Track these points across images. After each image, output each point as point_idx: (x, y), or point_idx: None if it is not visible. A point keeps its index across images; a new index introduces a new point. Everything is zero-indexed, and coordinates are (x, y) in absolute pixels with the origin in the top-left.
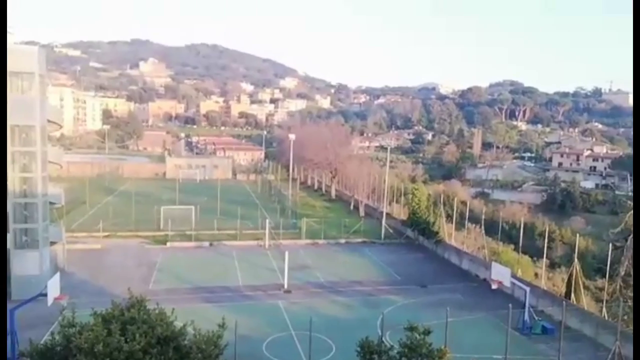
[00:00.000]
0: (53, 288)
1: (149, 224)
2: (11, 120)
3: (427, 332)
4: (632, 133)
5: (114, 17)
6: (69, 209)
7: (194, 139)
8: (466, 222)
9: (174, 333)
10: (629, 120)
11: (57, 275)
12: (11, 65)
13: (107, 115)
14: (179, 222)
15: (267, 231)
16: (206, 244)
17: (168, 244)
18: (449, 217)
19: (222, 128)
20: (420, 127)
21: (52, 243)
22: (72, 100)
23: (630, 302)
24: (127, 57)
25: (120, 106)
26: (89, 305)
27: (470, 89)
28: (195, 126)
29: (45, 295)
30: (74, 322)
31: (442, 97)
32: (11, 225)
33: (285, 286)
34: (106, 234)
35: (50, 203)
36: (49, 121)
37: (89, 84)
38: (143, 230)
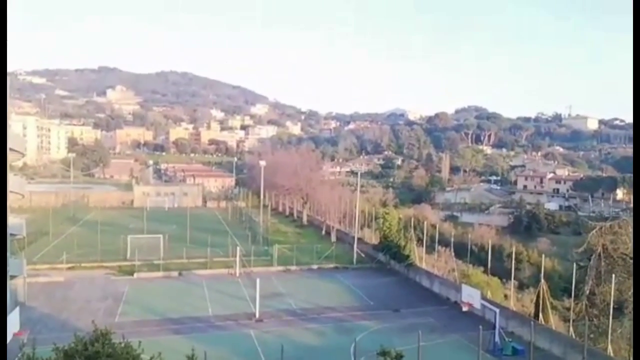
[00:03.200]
0: (12, 323)
1: (115, 254)
2: None
3: (400, 357)
4: (591, 156)
5: (81, 45)
6: (31, 240)
7: (163, 166)
8: (436, 245)
9: None
10: (588, 144)
11: (17, 310)
12: None
13: (72, 143)
14: (146, 252)
15: (237, 259)
16: (175, 273)
17: (135, 274)
18: (419, 240)
19: (192, 155)
20: (390, 152)
21: (12, 277)
22: (35, 129)
23: (595, 321)
24: (94, 84)
25: (87, 134)
26: (50, 341)
27: (437, 115)
28: (164, 153)
29: None
30: (34, 359)
31: (410, 123)
32: None
33: (257, 315)
34: (70, 265)
35: (11, 234)
36: (10, 150)
37: (54, 112)
38: (109, 261)
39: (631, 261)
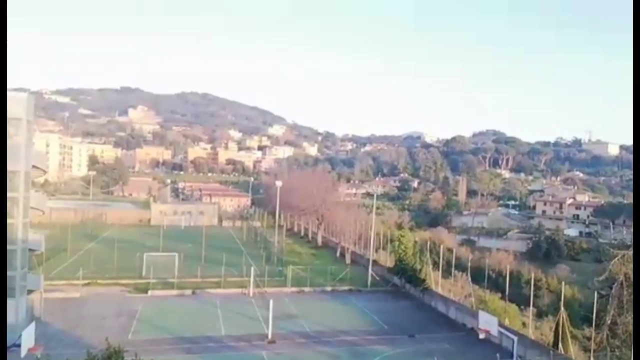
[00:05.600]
0: (27, 338)
1: (131, 272)
2: None
3: None
4: (612, 182)
5: (104, 65)
6: (49, 256)
7: (180, 185)
8: (453, 269)
9: None
10: (609, 170)
11: (33, 325)
12: None
13: (93, 161)
14: (161, 270)
15: (251, 279)
16: (189, 292)
17: (149, 292)
18: (435, 264)
19: (209, 174)
20: (406, 175)
21: (30, 291)
22: (58, 147)
23: (617, 352)
24: (116, 104)
25: (107, 152)
26: (64, 357)
27: (454, 138)
28: (182, 172)
29: (19, 345)
30: None
31: (427, 146)
32: None
33: (270, 336)
34: (86, 282)
35: (30, 250)
36: (33, 167)
37: (77, 130)
38: (124, 278)
39: None
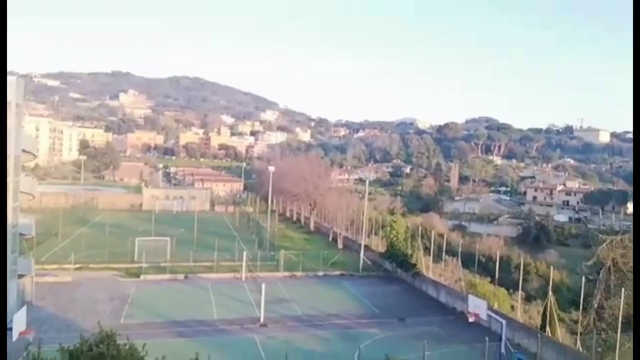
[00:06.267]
0: (19, 322)
1: (123, 256)
2: None
3: None
4: (602, 169)
5: (95, 49)
6: (40, 241)
7: (172, 170)
8: (443, 254)
9: None
10: (600, 157)
11: (24, 309)
12: None
13: (84, 145)
14: (153, 254)
15: (244, 263)
16: (181, 276)
17: (142, 276)
18: (426, 249)
19: (202, 159)
20: (399, 161)
21: (21, 276)
22: (48, 130)
23: (603, 335)
24: (107, 88)
25: (98, 137)
26: (56, 341)
27: (447, 125)
28: (174, 157)
29: (11, 329)
30: (40, 358)
31: (419, 132)
32: None
33: (262, 320)
34: (78, 266)
35: (21, 234)
36: (23, 151)
37: (67, 114)
38: (116, 263)
39: None
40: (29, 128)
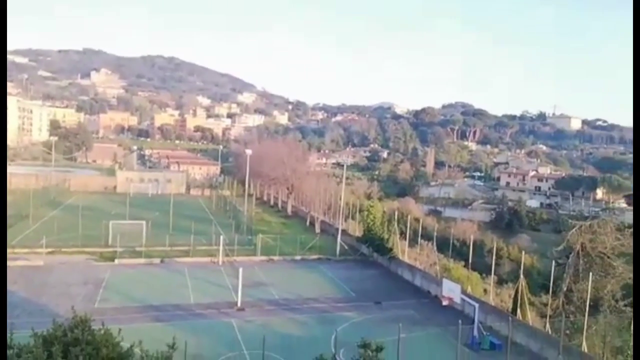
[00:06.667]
0: None
1: (97, 240)
2: None
3: (380, 349)
4: (573, 155)
5: (65, 25)
6: (11, 224)
7: (147, 152)
8: (419, 239)
9: (120, 355)
10: (571, 143)
11: None
12: None
13: (55, 125)
14: (128, 238)
15: (221, 247)
16: (157, 260)
17: (116, 260)
18: (402, 234)
19: (177, 142)
20: (376, 145)
21: None
22: (17, 110)
23: (571, 318)
24: (78, 66)
25: (70, 117)
26: (28, 326)
27: (423, 110)
28: (148, 139)
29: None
30: (12, 344)
31: (397, 117)
32: None
33: (239, 304)
34: (50, 250)
35: None
36: None
37: (37, 93)
38: (90, 247)
39: (609, 260)
40: None
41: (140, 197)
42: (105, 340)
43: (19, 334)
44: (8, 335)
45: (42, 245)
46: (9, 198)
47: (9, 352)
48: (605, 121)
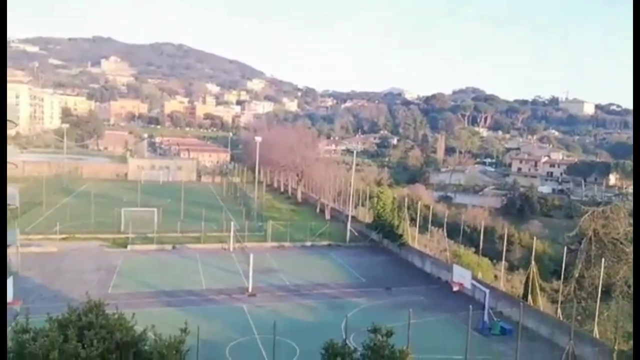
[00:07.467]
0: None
1: (109, 227)
2: None
3: (390, 334)
4: (586, 141)
5: (75, 13)
6: (24, 210)
7: (158, 139)
8: (429, 225)
9: (134, 338)
10: (584, 128)
11: (10, 280)
12: None
13: (66, 113)
14: (140, 225)
15: (231, 234)
16: (169, 246)
17: (129, 246)
18: (412, 220)
19: (187, 129)
20: (386, 132)
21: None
22: (28, 98)
23: (583, 304)
24: (88, 54)
25: (80, 104)
26: (44, 311)
27: (434, 96)
28: (159, 126)
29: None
30: (28, 328)
31: (407, 103)
32: None
33: (250, 289)
34: (63, 236)
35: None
36: None
37: (47, 81)
38: (103, 233)
39: (621, 246)
40: (9, 95)
41: (151, 184)
42: (119, 324)
43: (35, 319)
44: (24, 319)
45: (55, 231)
46: (22, 185)
47: (25, 336)
48: (619, 106)
